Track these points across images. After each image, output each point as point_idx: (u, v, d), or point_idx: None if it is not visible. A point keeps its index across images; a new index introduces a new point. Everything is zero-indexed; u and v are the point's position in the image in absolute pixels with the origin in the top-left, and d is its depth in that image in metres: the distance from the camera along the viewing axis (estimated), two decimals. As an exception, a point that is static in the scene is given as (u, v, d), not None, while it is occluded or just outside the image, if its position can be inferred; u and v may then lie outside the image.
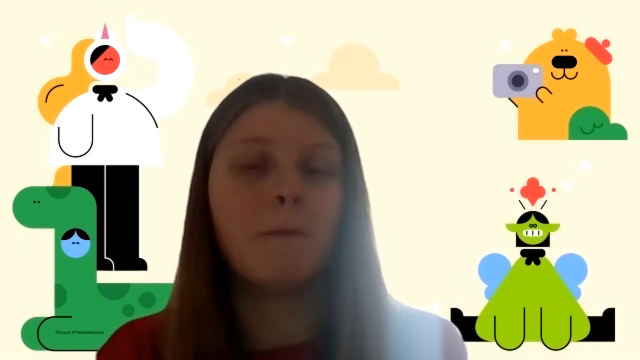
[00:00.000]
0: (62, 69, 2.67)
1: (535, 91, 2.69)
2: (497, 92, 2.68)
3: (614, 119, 2.68)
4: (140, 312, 2.57)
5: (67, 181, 2.67)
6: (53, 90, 2.67)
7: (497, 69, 2.68)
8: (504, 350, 2.67)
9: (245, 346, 1.18)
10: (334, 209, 1.15)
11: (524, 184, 2.67)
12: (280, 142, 1.14)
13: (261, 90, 1.18)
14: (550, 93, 2.70)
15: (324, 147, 1.16)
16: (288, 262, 1.13)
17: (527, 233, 2.67)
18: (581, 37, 2.69)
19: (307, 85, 1.21)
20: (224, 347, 1.15)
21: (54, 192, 2.66)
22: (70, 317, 2.65)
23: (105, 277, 2.68)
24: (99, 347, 1.27)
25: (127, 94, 2.69)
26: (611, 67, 2.68)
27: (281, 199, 1.12)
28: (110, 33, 2.67)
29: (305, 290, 1.17)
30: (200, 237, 1.18)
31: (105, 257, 2.68)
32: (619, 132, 2.67)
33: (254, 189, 1.14)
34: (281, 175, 1.13)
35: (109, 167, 2.68)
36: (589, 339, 2.67)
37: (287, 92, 1.17)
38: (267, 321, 1.18)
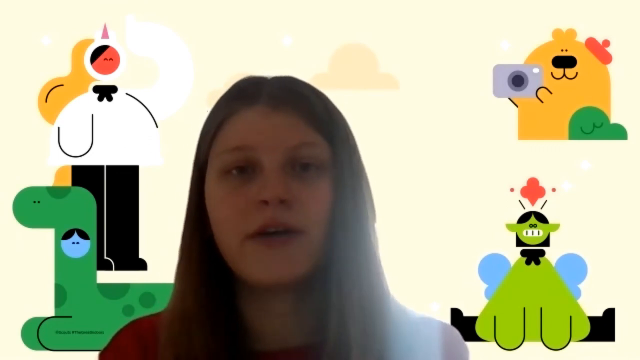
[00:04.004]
0: (62, 69, 2.67)
1: (535, 91, 2.69)
2: (497, 92, 2.68)
3: (614, 119, 2.68)
4: (140, 312, 2.57)
5: (67, 181, 2.67)
6: (53, 90, 2.67)
7: (497, 69, 2.68)
8: (504, 350, 2.67)
9: (248, 346, 1.18)
10: (324, 204, 1.15)
11: (524, 184, 2.67)
12: (264, 147, 1.14)
13: (243, 97, 1.18)
14: (550, 93, 2.69)
15: (308, 145, 1.16)
16: (280, 262, 1.13)
17: (527, 233, 2.67)
18: (581, 37, 2.69)
19: (290, 85, 1.20)
20: (219, 350, 1.16)
21: (54, 192, 2.66)
22: (70, 317, 2.65)
23: (105, 277, 2.67)
24: (98, 347, 1.26)
25: (127, 94, 2.69)
26: (611, 67, 2.68)
27: (265, 203, 1.13)
28: (110, 33, 2.67)
29: (308, 289, 1.17)
30: (192, 244, 1.19)
31: (105, 257, 2.68)
32: (619, 132, 2.67)
33: (240, 194, 1.14)
34: (265, 180, 1.13)
35: (109, 167, 2.68)
36: (589, 339, 2.67)
37: (268, 95, 1.17)
38: (271, 322, 1.18)
